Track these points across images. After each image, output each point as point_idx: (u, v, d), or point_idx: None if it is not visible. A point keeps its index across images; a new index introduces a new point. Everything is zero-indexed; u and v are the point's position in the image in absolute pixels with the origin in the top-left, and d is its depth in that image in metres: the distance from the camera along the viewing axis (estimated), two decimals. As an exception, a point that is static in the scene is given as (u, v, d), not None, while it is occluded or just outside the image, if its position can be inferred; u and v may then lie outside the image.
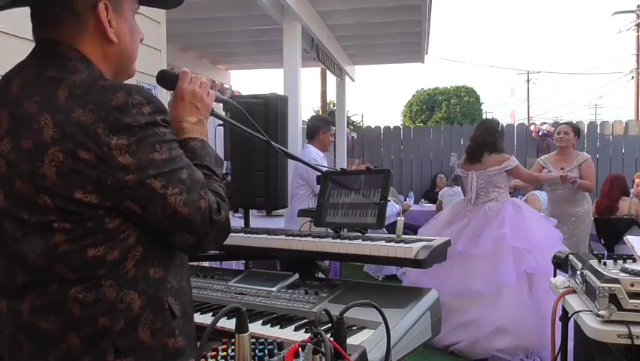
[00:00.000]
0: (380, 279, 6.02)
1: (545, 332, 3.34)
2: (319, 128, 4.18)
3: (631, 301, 1.48)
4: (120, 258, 0.94)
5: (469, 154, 4.14)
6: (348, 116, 10.96)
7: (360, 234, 1.64)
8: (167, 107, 1.04)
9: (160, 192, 0.93)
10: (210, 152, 1.11)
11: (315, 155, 4.02)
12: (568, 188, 4.50)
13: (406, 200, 7.57)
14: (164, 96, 3.33)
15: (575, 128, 4.75)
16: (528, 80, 31.04)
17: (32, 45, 1.03)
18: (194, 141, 1.08)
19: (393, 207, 5.66)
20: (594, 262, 1.72)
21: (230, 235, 1.79)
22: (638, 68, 18.47)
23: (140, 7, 1.12)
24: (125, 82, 1.04)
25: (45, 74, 0.95)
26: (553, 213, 4.66)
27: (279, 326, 1.26)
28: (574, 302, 1.73)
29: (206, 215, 0.98)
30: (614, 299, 1.49)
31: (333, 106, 12.54)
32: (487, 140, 4.05)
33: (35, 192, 0.89)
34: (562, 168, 4.56)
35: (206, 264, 2.49)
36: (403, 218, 1.67)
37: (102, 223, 0.91)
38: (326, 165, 3.91)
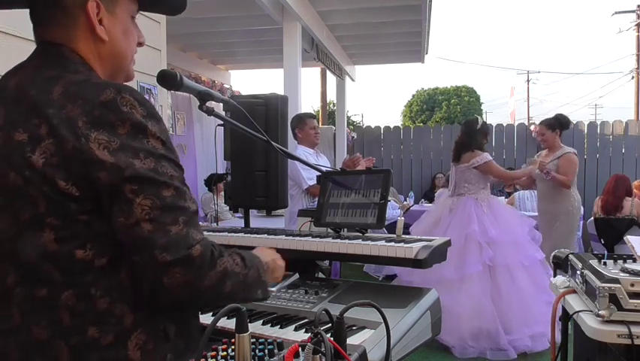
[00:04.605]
0: (380, 279, 6.02)
1: (507, 319, 3.74)
2: (294, 128, 4.26)
3: (631, 301, 1.48)
4: (109, 266, 0.90)
5: (453, 155, 4.45)
6: (348, 116, 10.96)
7: (360, 234, 1.64)
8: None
9: (128, 196, 0.86)
10: (258, 266, 1.08)
11: (303, 153, 4.04)
12: (546, 184, 4.49)
13: (406, 200, 7.57)
14: (164, 96, 3.33)
15: (551, 124, 4.60)
16: (528, 80, 31.06)
17: (32, 45, 1.03)
18: (257, 257, 1.11)
19: (395, 210, 5.67)
20: (594, 262, 1.72)
21: (230, 234, 1.80)
22: (638, 68, 18.46)
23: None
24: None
25: (44, 74, 0.95)
26: (541, 209, 4.71)
27: (279, 326, 1.26)
28: (574, 302, 1.73)
29: (174, 241, 0.87)
30: (614, 299, 1.48)
31: (333, 106, 12.55)
32: (464, 141, 4.34)
33: (26, 184, 0.88)
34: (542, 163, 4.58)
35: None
36: (403, 218, 1.67)
37: (90, 223, 0.89)
38: (316, 161, 3.94)
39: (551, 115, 4.81)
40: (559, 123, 4.59)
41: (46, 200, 0.87)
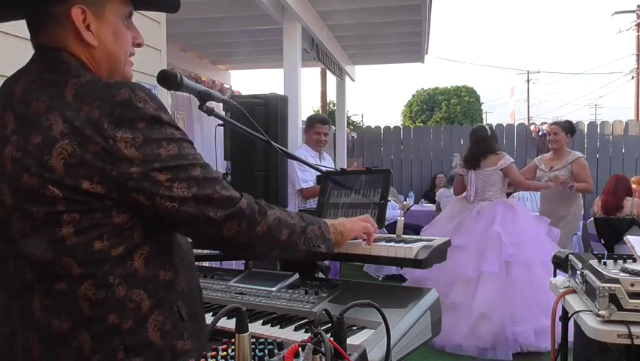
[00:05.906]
0: (380, 279, 6.02)
1: (519, 318, 3.71)
2: (304, 130, 4.28)
3: (631, 301, 1.48)
4: (126, 254, 0.94)
5: (468, 163, 4.33)
6: (348, 116, 10.96)
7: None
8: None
9: (165, 184, 0.94)
10: (320, 224, 1.23)
11: (304, 154, 4.04)
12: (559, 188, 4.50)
13: (406, 200, 7.58)
14: (164, 96, 3.33)
15: (566, 127, 4.67)
16: (528, 80, 31.09)
17: (30, 44, 1.04)
18: (325, 222, 1.24)
19: (395, 210, 5.67)
20: (594, 262, 1.72)
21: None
22: (638, 68, 18.47)
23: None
24: None
25: (49, 78, 0.97)
26: (543, 210, 4.69)
27: (279, 326, 1.26)
28: (574, 302, 1.73)
29: (222, 203, 0.99)
30: (614, 299, 1.49)
31: (333, 106, 12.54)
32: (481, 148, 4.26)
33: (42, 184, 0.90)
34: (551, 168, 4.57)
35: (206, 264, 2.49)
36: (403, 218, 1.67)
37: (109, 216, 0.93)
38: (317, 162, 3.95)
39: (550, 116, 4.90)
40: (571, 128, 4.70)
41: (65, 200, 0.90)
